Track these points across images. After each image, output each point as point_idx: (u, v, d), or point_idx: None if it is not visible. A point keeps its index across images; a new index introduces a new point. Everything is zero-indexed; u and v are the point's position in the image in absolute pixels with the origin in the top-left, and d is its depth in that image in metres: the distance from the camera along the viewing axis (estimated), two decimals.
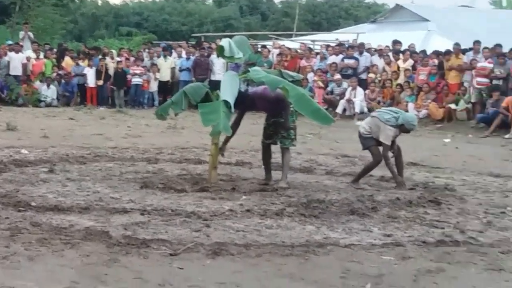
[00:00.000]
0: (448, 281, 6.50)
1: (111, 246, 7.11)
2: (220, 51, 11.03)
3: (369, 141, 11.24)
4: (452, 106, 21.30)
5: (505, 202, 10.27)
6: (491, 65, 20.82)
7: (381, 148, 11.09)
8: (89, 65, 25.40)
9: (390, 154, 11.17)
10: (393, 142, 11.14)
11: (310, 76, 24.25)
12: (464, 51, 22.22)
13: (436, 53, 23.21)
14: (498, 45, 21.67)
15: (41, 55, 25.83)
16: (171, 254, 6.92)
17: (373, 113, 11.86)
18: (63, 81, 25.31)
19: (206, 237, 7.60)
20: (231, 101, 10.06)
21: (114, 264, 6.57)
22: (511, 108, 19.28)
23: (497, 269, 6.90)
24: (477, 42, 22.07)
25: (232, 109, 10.23)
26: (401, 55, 23.84)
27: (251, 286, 6.12)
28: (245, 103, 10.83)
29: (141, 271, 6.41)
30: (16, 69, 24.72)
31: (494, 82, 20.69)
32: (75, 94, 25.33)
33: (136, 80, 25.14)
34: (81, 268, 6.44)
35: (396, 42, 25.27)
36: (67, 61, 26.12)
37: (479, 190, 11.24)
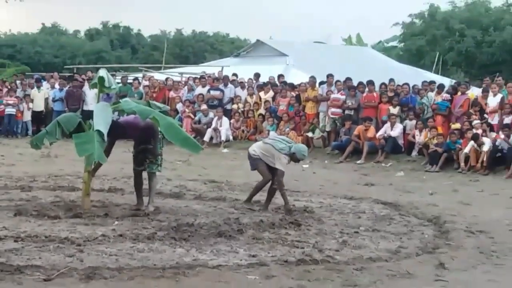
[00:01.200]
0: None
1: None
2: (100, 81, 10.93)
3: (258, 162, 11.34)
4: (309, 134, 21.68)
5: (358, 222, 10.53)
6: (343, 97, 21.33)
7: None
8: None
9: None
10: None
11: (179, 106, 24.25)
12: (320, 84, 22.65)
13: (292, 86, 23.57)
14: (349, 79, 22.23)
15: None
16: (45, 280, 6.75)
17: (267, 140, 11.95)
18: None
19: (79, 262, 7.44)
20: (105, 131, 9.97)
21: None
22: (362, 136, 19.81)
23: (352, 285, 7.05)
24: (330, 76, 22.53)
25: (105, 138, 10.13)
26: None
27: None
28: (117, 131, 10.73)
29: None
30: None
31: (347, 112, 21.21)
32: None
33: (9, 110, 24.49)
34: None
35: (257, 75, 25.59)
36: None
37: (335, 211, 11.46)
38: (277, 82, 24.57)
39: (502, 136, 17.53)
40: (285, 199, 11.16)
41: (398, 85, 21.56)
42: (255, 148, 11.47)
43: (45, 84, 26.26)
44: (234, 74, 25.88)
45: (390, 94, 20.98)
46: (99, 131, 9.94)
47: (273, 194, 11.38)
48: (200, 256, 7.96)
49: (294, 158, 11.19)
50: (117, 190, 12.83)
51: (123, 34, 68.82)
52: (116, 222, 9.71)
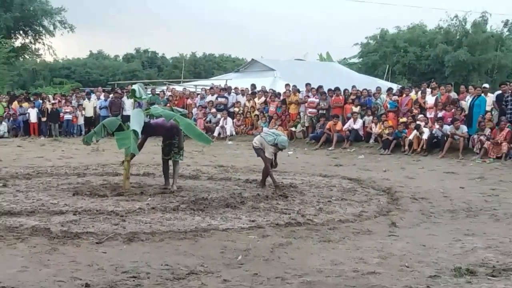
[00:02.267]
0: (294, 251, 6.62)
1: (52, 238, 6.92)
2: (133, 93, 11.00)
3: (259, 151, 11.19)
4: (293, 129, 21.70)
5: (330, 194, 10.54)
6: (317, 100, 21.31)
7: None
8: (31, 106, 24.59)
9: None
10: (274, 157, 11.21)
11: (194, 110, 24.24)
12: (299, 91, 22.61)
13: (277, 94, 23.39)
14: (321, 86, 22.07)
15: None
16: (97, 243, 6.80)
17: (262, 134, 11.68)
18: (11, 118, 24.48)
19: (122, 229, 7.49)
20: (138, 130, 10.02)
21: (54, 252, 6.40)
22: (332, 129, 19.82)
23: (327, 240, 7.09)
24: (308, 84, 22.50)
25: (139, 135, 10.17)
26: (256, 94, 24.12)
27: (157, 262, 6.04)
28: (149, 130, 10.81)
29: (75, 256, 6.26)
30: None
31: (320, 111, 21.19)
32: (21, 128, 24.43)
33: (67, 117, 24.58)
34: (29, 256, 6.24)
35: (253, 85, 25.54)
36: (15, 104, 25.23)
37: (313, 186, 11.46)
38: (267, 90, 24.46)
39: (437, 126, 17.61)
40: (273, 179, 11.03)
41: (358, 90, 21.54)
42: (256, 140, 11.39)
43: (93, 96, 26.15)
44: (253, 85, 25.34)
45: (353, 97, 20.99)
46: (134, 131, 9.98)
47: (266, 175, 11.30)
48: (213, 222, 7.99)
49: (277, 147, 11.07)
50: (150, 174, 12.78)
51: (151, 57, 68.65)
52: (149, 198, 9.72)
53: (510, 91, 17.30)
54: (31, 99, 25.82)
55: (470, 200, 10.01)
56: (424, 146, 17.57)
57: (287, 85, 23.82)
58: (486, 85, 19.65)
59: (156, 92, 26.24)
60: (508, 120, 16.75)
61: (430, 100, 19.06)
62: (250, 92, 24.60)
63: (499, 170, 14.35)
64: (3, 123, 24.07)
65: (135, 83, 12.00)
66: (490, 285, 5.52)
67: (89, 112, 25.11)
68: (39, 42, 46.97)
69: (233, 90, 25.13)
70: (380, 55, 46.50)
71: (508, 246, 6.91)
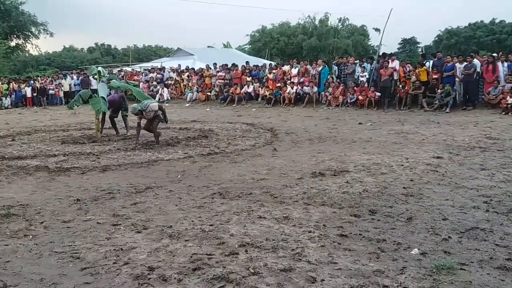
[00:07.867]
0: (214, 170, 6.72)
1: (50, 172, 6.70)
2: (99, 73, 10.64)
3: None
4: (209, 93, 21.43)
5: (235, 133, 10.67)
6: (223, 74, 20.99)
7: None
8: (26, 86, 22.95)
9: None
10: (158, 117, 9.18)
11: (141, 84, 23.35)
12: (211, 68, 22.27)
13: (197, 71, 22.99)
14: (225, 64, 21.68)
15: None
16: (81, 173, 6.63)
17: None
18: (12, 95, 22.72)
19: (98, 163, 7.33)
20: (105, 96, 9.82)
21: (53, 181, 6.21)
22: (234, 93, 19.75)
23: (234, 162, 7.23)
24: (215, 64, 22.17)
25: (106, 100, 9.92)
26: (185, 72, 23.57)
27: (124, 183, 5.99)
28: (108, 105, 10.52)
29: (67, 182, 6.10)
30: None
31: (226, 81, 20.87)
32: (20, 101, 22.75)
33: (51, 92, 23.07)
34: (36, 184, 6.02)
35: (179, 66, 24.88)
36: (13, 85, 23.34)
37: (224, 129, 11.52)
38: (190, 68, 23.94)
39: (300, 87, 18.03)
40: (136, 134, 9.40)
41: (250, 66, 21.52)
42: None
43: (68, 77, 24.70)
44: (179, 65, 24.46)
45: (247, 71, 20.94)
46: (102, 97, 9.70)
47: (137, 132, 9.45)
48: (159, 155, 7.95)
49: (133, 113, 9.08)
50: (111, 128, 12.38)
51: (107, 48, 65.09)
52: (115, 143, 9.51)
53: (343, 63, 17.95)
54: (26, 80, 24.13)
55: (321, 132, 10.47)
56: (292, 100, 17.98)
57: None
58: (325, 59, 20.07)
59: (113, 72, 25.06)
60: (342, 81, 17.45)
61: (294, 71, 19.38)
62: (179, 70, 24.03)
63: (338, 113, 15.04)
64: (8, 98, 22.39)
65: (97, 67, 11.43)
66: (333, 181, 5.94)
67: (66, 88, 23.59)
68: (28, 43, 44.73)
69: (166, 69, 24.40)
70: (262, 42, 46.40)
71: (343, 158, 7.39)
